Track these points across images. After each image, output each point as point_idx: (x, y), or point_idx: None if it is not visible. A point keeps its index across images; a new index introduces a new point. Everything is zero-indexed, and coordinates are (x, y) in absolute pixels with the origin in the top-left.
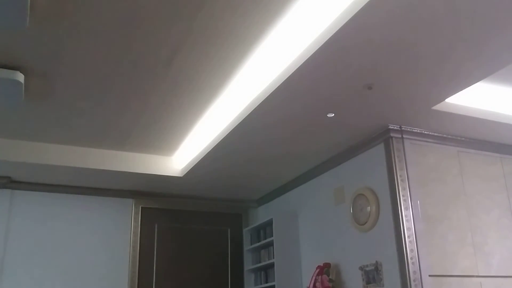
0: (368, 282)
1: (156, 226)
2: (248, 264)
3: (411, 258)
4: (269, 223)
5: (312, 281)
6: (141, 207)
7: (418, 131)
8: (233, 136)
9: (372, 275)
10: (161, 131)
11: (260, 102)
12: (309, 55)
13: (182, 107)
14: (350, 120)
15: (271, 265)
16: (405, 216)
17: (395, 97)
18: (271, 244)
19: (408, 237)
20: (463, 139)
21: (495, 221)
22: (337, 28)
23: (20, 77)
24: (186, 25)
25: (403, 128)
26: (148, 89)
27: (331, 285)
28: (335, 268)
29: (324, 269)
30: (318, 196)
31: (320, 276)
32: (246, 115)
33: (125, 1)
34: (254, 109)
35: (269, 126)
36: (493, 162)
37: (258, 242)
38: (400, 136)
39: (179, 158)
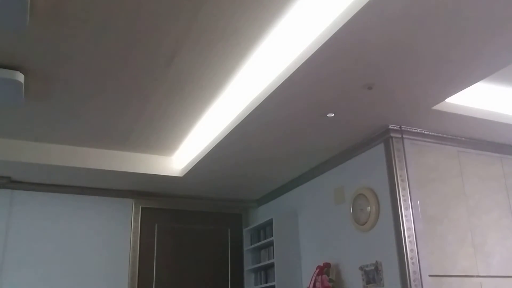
0: (368, 282)
1: (156, 226)
2: (248, 264)
3: (411, 258)
4: (269, 223)
5: (312, 281)
6: (141, 207)
7: (418, 131)
8: (233, 136)
9: (372, 275)
10: (161, 131)
11: (260, 102)
12: (309, 55)
13: (182, 107)
14: (350, 120)
15: (271, 265)
16: (405, 216)
17: (395, 97)
18: (271, 244)
19: (408, 237)
20: (463, 139)
21: (495, 221)
22: (337, 28)
23: (20, 77)
24: (186, 25)
25: (403, 128)
26: (148, 89)
27: (331, 285)
28: (335, 268)
29: (324, 269)
30: (318, 196)
31: (320, 276)
32: (246, 115)
33: (125, 1)
34: (254, 109)
35: (269, 126)
36: (493, 162)
37: (258, 242)
38: (400, 136)
39: (179, 158)
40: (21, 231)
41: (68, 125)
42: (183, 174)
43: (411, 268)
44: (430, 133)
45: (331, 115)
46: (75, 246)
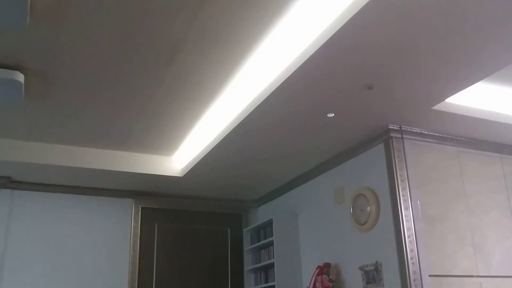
0: (368, 282)
1: (156, 226)
2: (248, 264)
3: (411, 258)
4: (269, 223)
5: (312, 281)
6: (141, 207)
7: (418, 131)
8: (233, 136)
9: (372, 275)
10: (161, 131)
11: (260, 102)
12: (309, 55)
13: (182, 107)
14: (350, 120)
15: (271, 265)
16: (405, 216)
17: (395, 97)
18: (271, 244)
19: (408, 237)
20: (463, 139)
21: (495, 221)
22: (337, 28)
23: (20, 77)
24: (186, 25)
25: (403, 128)
26: (148, 88)
27: (331, 285)
28: (335, 268)
29: (324, 269)
30: (318, 196)
31: (320, 276)
32: (246, 115)
33: (125, 2)
34: (254, 109)
35: (269, 126)
36: (493, 162)
37: (258, 242)
38: (400, 136)
39: (179, 158)
40: (21, 231)
41: (68, 125)
42: (183, 174)
43: (411, 268)
44: (430, 133)
45: (331, 115)
46: (75, 246)
